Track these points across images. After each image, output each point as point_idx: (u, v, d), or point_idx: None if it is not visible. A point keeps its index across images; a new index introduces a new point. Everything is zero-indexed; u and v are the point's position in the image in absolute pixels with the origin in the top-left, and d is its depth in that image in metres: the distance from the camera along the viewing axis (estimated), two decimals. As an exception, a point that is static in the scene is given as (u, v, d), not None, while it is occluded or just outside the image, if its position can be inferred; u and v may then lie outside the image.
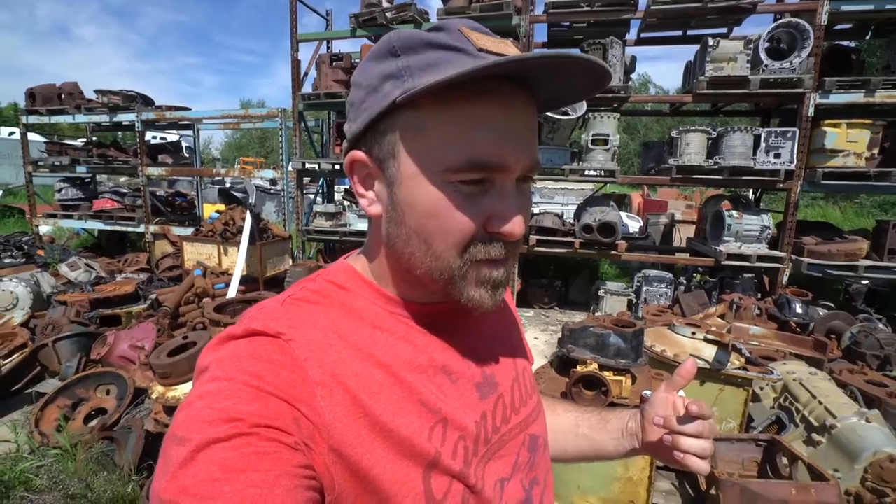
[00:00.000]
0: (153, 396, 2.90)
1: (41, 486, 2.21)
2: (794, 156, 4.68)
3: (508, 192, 0.46)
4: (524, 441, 0.58)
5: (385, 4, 5.61)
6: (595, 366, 2.09)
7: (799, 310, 4.06)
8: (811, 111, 4.65)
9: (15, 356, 3.44)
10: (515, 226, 0.46)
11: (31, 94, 7.23)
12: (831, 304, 4.53)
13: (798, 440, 2.40)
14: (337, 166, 6.10)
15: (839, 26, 5.45)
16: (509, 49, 0.45)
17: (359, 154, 0.49)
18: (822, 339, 2.65)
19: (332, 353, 0.45)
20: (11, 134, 16.42)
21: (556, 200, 10.93)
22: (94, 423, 2.74)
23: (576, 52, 0.42)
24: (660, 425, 0.65)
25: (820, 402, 2.42)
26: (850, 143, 4.53)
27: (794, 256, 4.83)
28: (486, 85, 0.43)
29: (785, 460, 2.18)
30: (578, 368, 2.10)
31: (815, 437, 2.34)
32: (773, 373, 2.47)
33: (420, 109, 0.44)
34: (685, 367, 0.66)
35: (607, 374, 2.06)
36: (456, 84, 0.40)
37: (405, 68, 0.44)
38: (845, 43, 5.69)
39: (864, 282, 4.90)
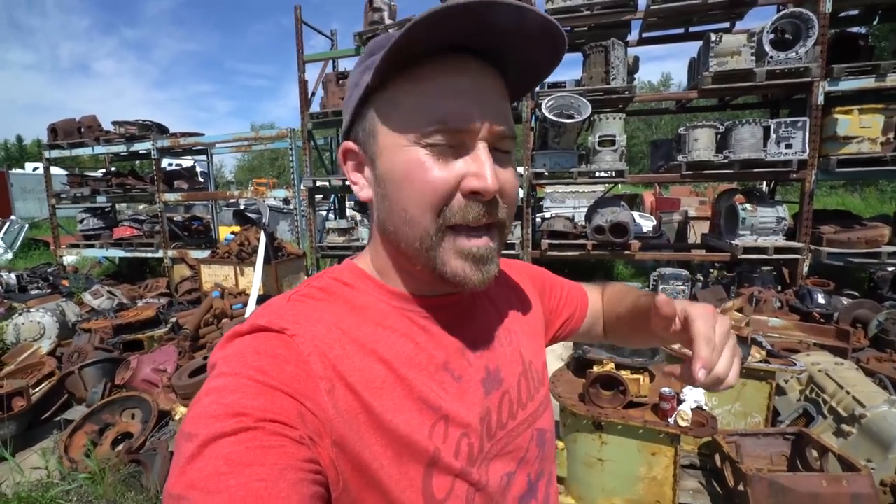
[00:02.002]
0: (177, 418, 2.96)
1: (73, 509, 2.26)
2: (807, 145, 4.60)
3: (480, 152, 0.47)
4: (532, 436, 0.58)
5: (388, 21, 5.74)
6: (612, 365, 2.08)
7: (821, 300, 3.96)
8: (821, 99, 4.58)
9: (44, 385, 3.53)
10: (488, 181, 0.46)
11: (52, 130, 7.52)
12: (856, 293, 4.41)
13: (827, 432, 2.33)
14: (346, 182, 6.19)
15: (845, 13, 5.38)
16: None
17: (348, 143, 0.54)
18: (845, 328, 2.58)
19: (335, 349, 0.46)
20: (35, 169, 17.07)
21: (568, 204, 10.88)
22: (120, 447, 2.80)
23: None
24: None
25: (848, 392, 2.36)
26: (864, 129, 4.45)
27: (812, 246, 4.72)
28: (450, 59, 0.46)
29: (815, 453, 2.13)
30: (595, 369, 2.08)
31: (845, 427, 2.27)
32: (796, 364, 2.41)
33: (390, 88, 0.48)
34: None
35: (624, 374, 2.04)
36: (409, 56, 0.44)
37: (375, 59, 0.47)
38: (853, 29, 5.61)
39: (890, 268, 4.76)
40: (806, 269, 4.72)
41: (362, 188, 0.53)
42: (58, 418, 3.36)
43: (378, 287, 0.54)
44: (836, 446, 2.12)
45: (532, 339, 0.67)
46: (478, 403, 0.52)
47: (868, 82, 4.49)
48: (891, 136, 4.49)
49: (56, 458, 2.69)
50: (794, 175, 4.78)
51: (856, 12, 5.42)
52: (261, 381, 0.40)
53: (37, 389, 3.45)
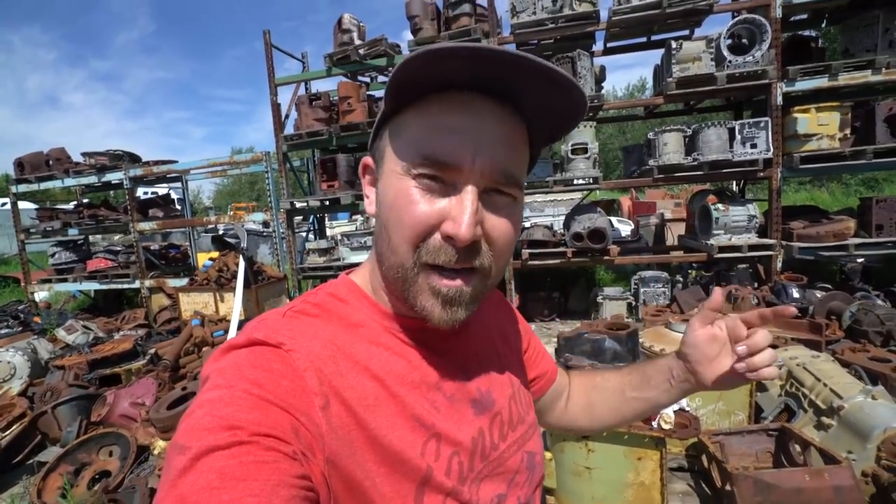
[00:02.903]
0: (156, 452, 2.86)
1: (45, 559, 2.15)
2: (770, 144, 4.77)
3: (466, 196, 0.45)
4: (522, 458, 0.58)
5: (357, 42, 5.79)
6: (593, 372, 2.08)
7: (796, 294, 4.07)
8: (779, 100, 4.77)
9: (14, 427, 3.38)
10: (460, 227, 0.44)
11: (19, 164, 7.33)
12: (828, 286, 4.54)
13: (809, 425, 2.37)
14: (326, 202, 6.17)
15: (795, 17, 5.64)
16: None
17: (367, 159, 0.56)
18: (818, 321, 2.65)
19: (330, 365, 0.46)
20: (3, 205, 16.57)
21: (547, 213, 11.02)
22: (98, 486, 2.68)
23: (533, 58, 0.41)
24: (745, 354, 0.62)
25: (825, 385, 2.41)
26: (822, 127, 4.64)
27: (784, 242, 4.87)
28: (456, 96, 0.46)
29: (797, 448, 2.15)
30: (577, 376, 2.08)
31: (825, 420, 2.31)
32: (773, 360, 2.45)
33: (400, 116, 0.49)
34: (713, 299, 0.67)
35: (607, 379, 2.04)
36: (426, 92, 0.46)
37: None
38: (805, 32, 5.88)
39: (859, 260, 4.92)
40: (780, 265, 4.85)
41: (371, 203, 0.55)
42: (30, 461, 3.23)
43: (372, 305, 0.54)
44: (818, 440, 2.15)
45: (520, 366, 0.68)
46: (469, 423, 0.53)
47: (822, 82, 4.70)
48: (847, 131, 4.68)
49: (27, 503, 2.57)
50: (761, 174, 4.94)
51: (805, 16, 5.69)
52: (256, 395, 0.40)
53: (7, 432, 3.30)
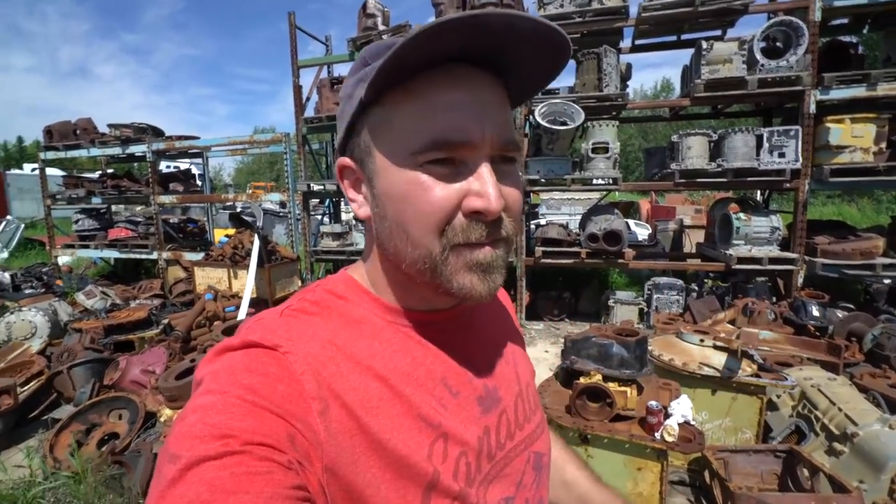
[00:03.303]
0: (162, 420, 2.94)
1: (51, 512, 2.23)
2: (799, 154, 4.60)
3: (481, 169, 0.45)
4: (529, 459, 0.56)
5: (381, 27, 5.75)
6: (599, 377, 2.05)
7: (816, 312, 3.94)
8: (812, 108, 4.59)
9: (32, 384, 3.51)
10: (491, 201, 0.44)
11: (48, 132, 7.50)
12: (851, 306, 4.39)
13: (819, 450, 2.31)
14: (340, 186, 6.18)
15: (835, 21, 5.41)
16: None
17: (344, 160, 0.51)
18: (837, 343, 2.56)
19: (330, 367, 0.44)
20: (34, 170, 17.05)
21: (563, 211, 10.89)
22: (105, 447, 2.77)
23: (523, 13, 0.40)
24: None
25: (840, 409, 2.33)
26: (856, 139, 4.45)
27: (807, 257, 4.71)
28: (446, 71, 0.44)
29: (806, 472, 2.10)
30: (582, 380, 2.06)
31: (837, 446, 2.25)
32: (787, 379, 2.39)
33: (385, 104, 0.46)
34: None
35: (612, 385, 2.01)
36: (405, 70, 0.41)
37: (370, 69, 0.45)
38: (844, 38, 5.63)
39: (886, 281, 4.75)
40: (801, 281, 4.71)
41: (360, 206, 0.52)
42: (45, 417, 3.36)
43: (373, 301, 0.52)
44: (828, 465, 2.09)
45: (523, 362, 0.65)
46: (476, 421, 0.51)
47: (859, 91, 4.50)
48: (882, 145, 4.49)
49: (40, 457, 2.67)
50: (788, 184, 4.78)
51: (846, 21, 5.44)
52: (250, 401, 0.39)
53: (25, 388, 3.43)
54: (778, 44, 4.79)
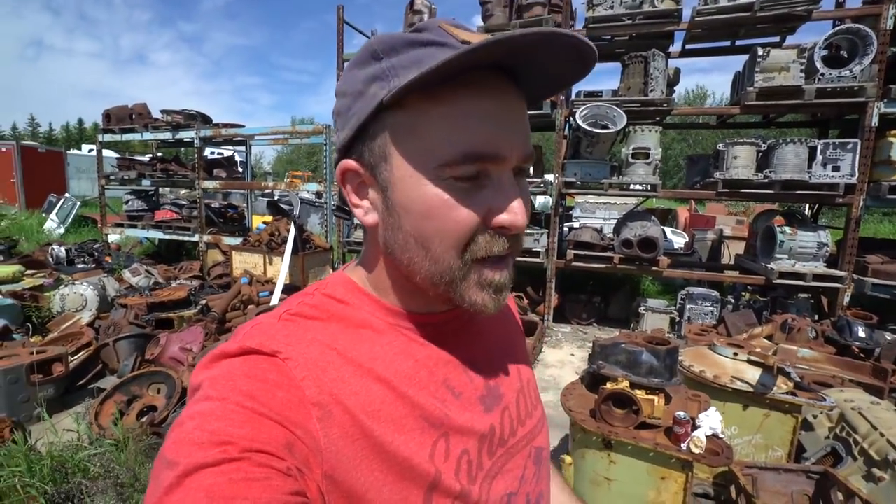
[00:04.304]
0: (198, 396, 3.08)
1: (95, 474, 2.39)
2: (856, 168, 4.37)
3: (506, 182, 0.44)
4: (530, 454, 0.56)
5: (426, 24, 5.79)
6: (626, 383, 2.03)
7: (862, 333, 3.74)
8: (875, 121, 4.35)
9: (81, 353, 3.74)
10: (518, 216, 0.44)
11: (107, 115, 7.96)
12: (901, 329, 4.15)
13: (856, 475, 2.20)
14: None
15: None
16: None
17: (350, 163, 0.48)
18: (884, 366, 2.44)
19: (330, 372, 0.44)
20: (90, 151, 18.10)
21: (598, 215, 10.69)
22: (145, 418, 2.94)
23: (558, 29, 0.40)
24: None
25: (882, 435, 2.22)
26: (921, 155, 4.19)
27: (856, 276, 4.48)
28: (472, 77, 0.41)
29: (840, 496, 2.01)
30: (608, 385, 2.04)
31: (877, 472, 2.14)
32: (825, 399, 2.29)
33: (408, 108, 0.43)
34: None
35: (639, 393, 1.99)
36: (442, 78, 0.39)
37: (389, 68, 0.43)
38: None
39: (942, 306, 4.46)
40: (847, 300, 4.48)
41: (367, 212, 0.49)
42: (91, 386, 3.56)
43: (374, 303, 0.51)
44: (865, 491, 2.00)
45: (524, 358, 0.65)
46: (478, 420, 0.51)
47: (929, 105, 4.23)
48: (951, 164, 4.21)
49: (86, 424, 2.85)
50: (840, 199, 4.55)
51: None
52: (249, 408, 0.38)
53: (75, 357, 3.65)
54: (842, 52, 4.55)
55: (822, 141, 4.54)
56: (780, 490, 2.16)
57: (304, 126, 7.04)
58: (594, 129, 4.82)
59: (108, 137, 8.07)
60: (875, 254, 4.57)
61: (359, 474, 0.41)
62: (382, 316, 0.51)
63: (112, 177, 8.36)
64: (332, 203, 6.63)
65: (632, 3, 4.99)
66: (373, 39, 0.45)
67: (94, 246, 7.97)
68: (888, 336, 3.81)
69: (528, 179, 0.53)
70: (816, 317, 4.49)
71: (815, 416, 2.60)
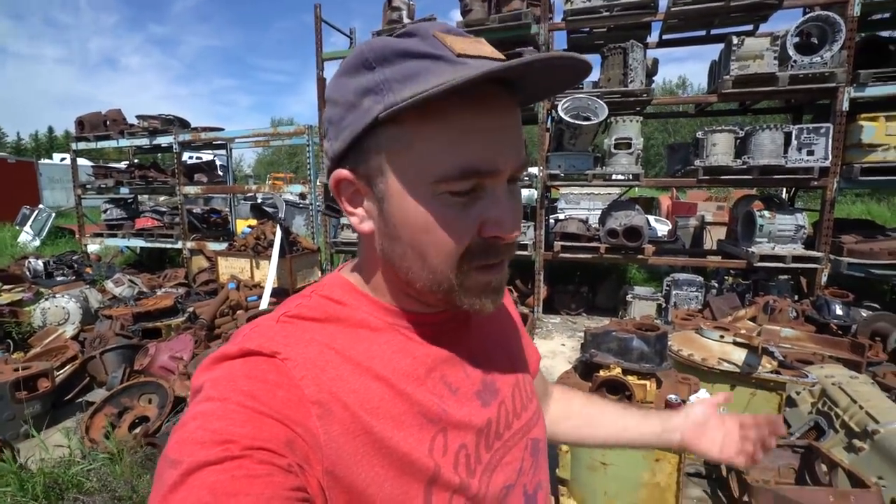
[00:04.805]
0: (192, 404, 3.05)
1: (91, 489, 2.35)
2: (829, 152, 4.51)
3: (501, 195, 0.45)
4: (527, 445, 0.58)
5: (406, 20, 5.77)
6: (618, 370, 2.08)
7: (839, 311, 3.88)
8: (846, 105, 4.48)
9: (67, 368, 3.66)
10: (511, 229, 0.46)
11: (80, 123, 7.75)
12: (876, 306, 4.31)
13: (838, 446, 2.30)
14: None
15: (875, 16, 5.24)
16: (485, 48, 0.45)
17: (344, 173, 0.48)
18: (861, 341, 2.54)
19: (329, 371, 0.45)
20: (63, 160, 17.59)
21: (582, 206, 10.80)
22: (137, 430, 2.90)
23: (556, 52, 0.41)
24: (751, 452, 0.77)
25: (861, 407, 2.32)
26: (890, 137, 4.34)
27: (832, 256, 4.63)
28: (468, 91, 0.41)
29: (824, 467, 2.10)
30: (601, 373, 2.09)
31: (857, 443, 2.24)
32: (807, 376, 2.38)
33: (403, 124, 0.43)
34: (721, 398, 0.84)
35: (631, 379, 2.04)
36: (450, 92, 0.39)
37: (383, 81, 0.42)
38: (883, 33, 5.46)
39: (913, 281, 4.64)
40: (825, 279, 4.63)
41: (362, 221, 0.50)
42: (79, 400, 3.49)
43: (371, 303, 0.52)
44: (847, 461, 2.09)
45: (519, 353, 0.67)
46: (476, 415, 0.52)
47: (896, 89, 4.38)
48: (918, 145, 4.37)
49: (78, 438, 2.80)
50: (815, 182, 4.69)
51: (886, 16, 5.27)
52: (250, 407, 0.39)
53: (60, 372, 3.57)
54: (813, 39, 4.68)
55: (796, 126, 4.67)
56: (768, 465, 2.24)
57: (286, 127, 6.97)
58: (577, 122, 4.87)
59: (82, 145, 7.87)
60: (849, 234, 4.73)
61: (359, 470, 0.42)
62: (380, 315, 0.52)
63: (88, 186, 8.16)
64: (318, 204, 6.58)
65: (608, -6, 5.05)
66: (364, 46, 0.45)
67: (73, 257, 7.76)
68: (864, 313, 3.96)
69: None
70: (796, 297, 4.63)
71: (798, 393, 2.70)
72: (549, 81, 0.47)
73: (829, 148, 4.50)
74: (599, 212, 5.96)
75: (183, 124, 7.60)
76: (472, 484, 0.48)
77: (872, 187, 7.28)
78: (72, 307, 4.64)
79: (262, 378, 0.42)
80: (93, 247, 8.51)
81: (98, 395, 3.44)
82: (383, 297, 0.53)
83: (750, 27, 5.44)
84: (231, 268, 5.73)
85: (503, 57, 0.44)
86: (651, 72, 5.51)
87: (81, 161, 8.78)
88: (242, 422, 0.38)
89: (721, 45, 5.12)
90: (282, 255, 5.24)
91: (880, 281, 4.96)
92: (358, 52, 0.45)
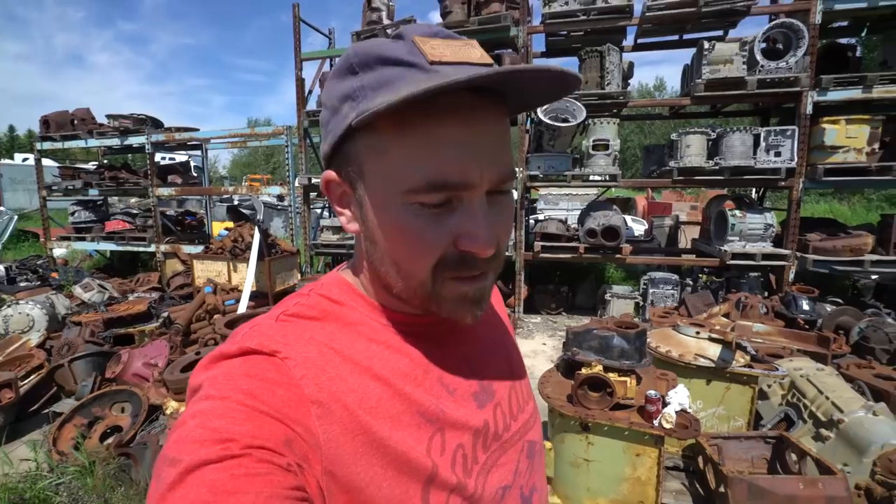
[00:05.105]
0: (168, 412, 2.97)
1: (61, 503, 2.26)
2: (795, 153, 4.70)
3: (476, 208, 0.44)
4: (523, 448, 0.58)
5: (386, 21, 5.75)
6: (600, 368, 2.12)
7: (806, 306, 4.05)
8: (809, 109, 4.68)
9: (32, 377, 3.52)
10: (485, 244, 0.44)
11: (45, 122, 7.45)
12: (839, 300, 4.51)
13: (807, 436, 2.40)
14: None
15: (835, 24, 5.49)
16: (471, 53, 0.43)
17: (331, 174, 0.49)
18: (826, 335, 2.65)
19: (328, 370, 0.45)
20: (25, 160, 16.86)
21: (561, 206, 10.96)
22: (110, 440, 2.80)
23: (533, 66, 0.40)
24: None
25: (827, 398, 2.42)
26: (850, 139, 4.55)
27: (799, 254, 4.82)
28: (442, 100, 0.40)
29: (794, 456, 2.19)
30: (583, 371, 2.12)
31: (824, 432, 2.34)
32: (778, 369, 2.47)
33: (377, 132, 0.43)
34: None
35: (612, 376, 2.08)
36: (409, 103, 0.38)
37: (359, 88, 0.43)
38: (842, 40, 5.73)
39: (873, 277, 4.87)
40: (792, 276, 4.82)
41: (349, 221, 0.50)
42: (46, 411, 3.36)
43: (368, 304, 0.53)
44: (815, 450, 2.18)
45: (515, 355, 0.68)
46: (472, 416, 0.52)
47: (855, 93, 4.60)
48: (875, 146, 4.59)
49: (45, 451, 2.69)
50: (783, 183, 4.87)
51: (845, 24, 5.53)
52: (250, 406, 0.39)
53: (25, 382, 3.43)
54: (778, 45, 4.87)
55: (764, 129, 4.85)
56: (742, 456, 2.33)
57: (264, 128, 6.85)
58: (555, 123, 4.95)
59: (47, 145, 7.58)
60: (814, 232, 4.93)
61: (358, 469, 0.42)
62: (376, 317, 0.52)
63: (54, 187, 7.85)
64: (297, 205, 6.49)
65: (585, -2, 5.15)
66: (352, 49, 0.45)
67: (38, 262, 7.46)
68: (828, 307, 4.14)
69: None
70: (766, 293, 4.81)
71: (769, 386, 2.80)
72: (534, 91, 0.47)
73: (795, 149, 4.69)
74: (578, 212, 6.06)
75: (156, 124, 7.39)
76: (468, 484, 0.48)
77: (835, 187, 7.61)
78: (36, 314, 4.46)
79: (261, 377, 0.42)
80: (59, 250, 8.19)
81: (66, 405, 3.32)
82: (378, 299, 0.53)
83: (720, 32, 5.62)
84: (207, 271, 5.60)
85: (490, 62, 0.43)
86: (627, 75, 5.63)
87: (46, 162, 8.43)
88: (242, 420, 0.38)
89: (693, 50, 5.28)
90: (260, 257, 5.15)
91: (842, 277, 5.18)
92: (346, 55, 0.45)
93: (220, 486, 0.34)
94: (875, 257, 4.55)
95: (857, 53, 5.46)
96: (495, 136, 0.45)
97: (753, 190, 6.44)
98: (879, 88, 4.52)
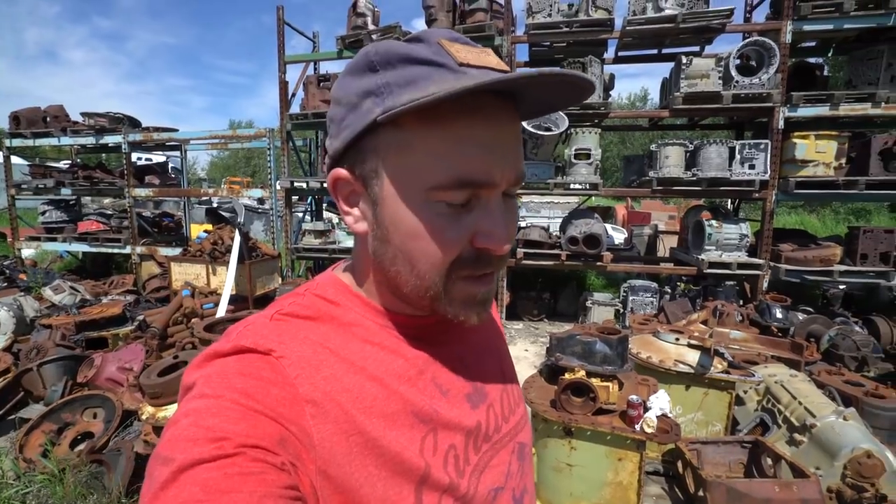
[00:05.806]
0: (143, 417, 2.87)
1: (28, 513, 2.17)
2: (768, 166, 4.88)
3: (495, 207, 0.45)
4: (514, 449, 0.58)
5: (371, 27, 5.76)
6: (583, 373, 2.15)
7: (779, 315, 4.18)
8: (781, 124, 4.87)
9: (-2, 382, 3.37)
10: (503, 242, 0.45)
11: (15, 118, 7.19)
12: (810, 309, 4.67)
13: (781, 440, 2.47)
14: (325, 184, 6.16)
15: (804, 44, 5.75)
16: (490, 59, 0.45)
17: (341, 172, 0.48)
18: (799, 342, 2.74)
19: (323, 370, 0.45)
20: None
21: (543, 214, 11.10)
22: (81, 447, 2.70)
23: (558, 69, 0.41)
24: None
25: (800, 403, 2.51)
26: (819, 154, 4.75)
27: (772, 263, 4.99)
28: (469, 101, 0.41)
29: (769, 460, 2.25)
30: (566, 376, 2.15)
31: (797, 436, 2.41)
32: (754, 375, 2.55)
33: (402, 128, 0.43)
34: None
35: (595, 381, 2.11)
36: (443, 101, 0.39)
37: (384, 85, 0.43)
38: (811, 60, 6.00)
39: (841, 286, 5.07)
40: (766, 285, 4.98)
41: (357, 221, 0.50)
42: (12, 417, 3.22)
43: (364, 304, 0.53)
44: (789, 454, 2.25)
45: (507, 358, 0.68)
46: (465, 416, 0.52)
47: (823, 110, 4.81)
48: (842, 161, 4.81)
49: (11, 458, 2.58)
50: (757, 194, 5.05)
51: (813, 44, 5.79)
52: (244, 405, 0.39)
53: (-10, 387, 3.29)
54: (752, 62, 5.07)
55: (739, 142, 5.02)
56: (720, 461, 2.38)
57: (246, 130, 6.76)
58: (538, 132, 5.02)
59: (17, 142, 7.31)
60: (786, 242, 5.12)
61: (352, 469, 0.42)
62: (372, 317, 0.52)
63: (24, 186, 7.56)
64: (279, 209, 6.41)
65: (568, 11, 5.27)
66: (371, 48, 0.45)
67: (5, 262, 7.17)
68: (800, 315, 4.29)
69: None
70: (741, 302, 4.95)
71: (745, 392, 2.88)
72: (550, 97, 0.48)
73: (768, 162, 4.87)
74: (559, 220, 6.14)
75: (133, 123, 7.22)
76: (461, 484, 0.48)
77: (805, 199, 7.91)
78: (3, 316, 4.29)
79: (256, 375, 0.42)
80: (27, 251, 7.90)
81: (35, 410, 3.19)
82: (374, 299, 0.53)
83: (697, 48, 5.81)
84: (185, 274, 5.47)
85: (507, 69, 0.44)
86: (608, 86, 5.76)
87: (15, 160, 8.13)
88: (236, 419, 0.38)
89: (672, 64, 5.44)
90: (240, 260, 5.07)
91: (813, 286, 5.38)
92: (364, 53, 0.45)
93: (214, 485, 0.34)
94: (843, 268, 4.74)
95: (825, 72, 5.71)
96: (513, 139, 0.46)
97: (729, 201, 6.64)
98: (845, 106, 4.74)
